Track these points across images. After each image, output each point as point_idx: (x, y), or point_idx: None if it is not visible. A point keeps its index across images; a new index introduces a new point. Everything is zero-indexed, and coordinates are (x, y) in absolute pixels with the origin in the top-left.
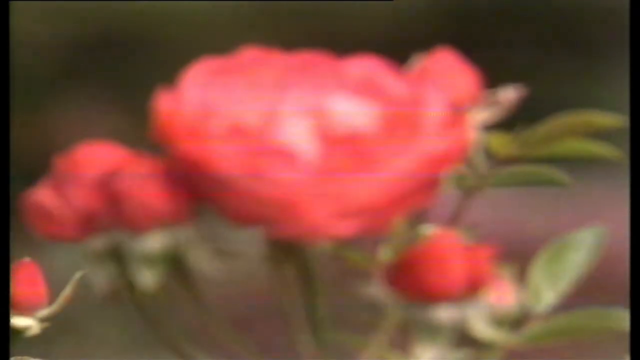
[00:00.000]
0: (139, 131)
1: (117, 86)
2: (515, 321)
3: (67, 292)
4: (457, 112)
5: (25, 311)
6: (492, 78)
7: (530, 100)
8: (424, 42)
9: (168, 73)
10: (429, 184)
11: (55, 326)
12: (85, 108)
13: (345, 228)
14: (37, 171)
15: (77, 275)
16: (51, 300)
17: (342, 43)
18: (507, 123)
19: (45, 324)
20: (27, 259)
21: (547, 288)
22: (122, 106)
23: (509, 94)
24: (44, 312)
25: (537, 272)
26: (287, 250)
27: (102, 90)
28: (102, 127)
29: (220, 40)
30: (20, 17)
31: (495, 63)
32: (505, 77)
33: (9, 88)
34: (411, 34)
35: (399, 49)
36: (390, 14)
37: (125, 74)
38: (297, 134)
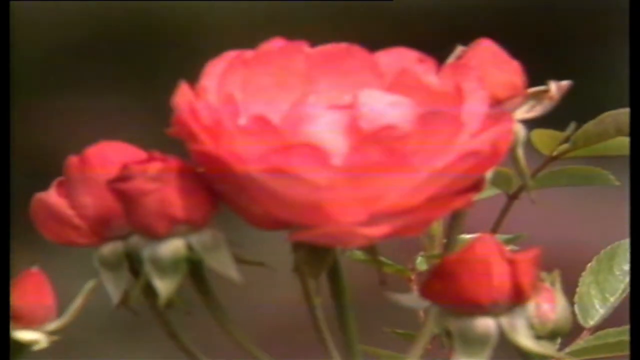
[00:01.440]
0: (160, 128)
1: (138, 81)
2: (563, 333)
3: (77, 303)
4: (499, 107)
5: (32, 324)
6: (537, 71)
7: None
8: (464, 34)
9: (192, 67)
10: (469, 185)
11: (64, 341)
12: (101, 104)
13: (379, 231)
14: (49, 170)
15: (89, 284)
16: (60, 312)
17: (376, 34)
18: (544, 119)
19: (54, 338)
20: (34, 268)
21: (598, 303)
22: (142, 102)
23: (556, 88)
24: (52, 325)
25: (587, 285)
26: (317, 257)
27: (120, 85)
28: (120, 125)
29: (247, 35)
30: (35, 8)
31: (541, 57)
32: (552, 71)
33: (9, 85)
34: (450, 25)
35: (436, 40)
36: (427, 4)
37: (147, 68)
38: (327, 129)
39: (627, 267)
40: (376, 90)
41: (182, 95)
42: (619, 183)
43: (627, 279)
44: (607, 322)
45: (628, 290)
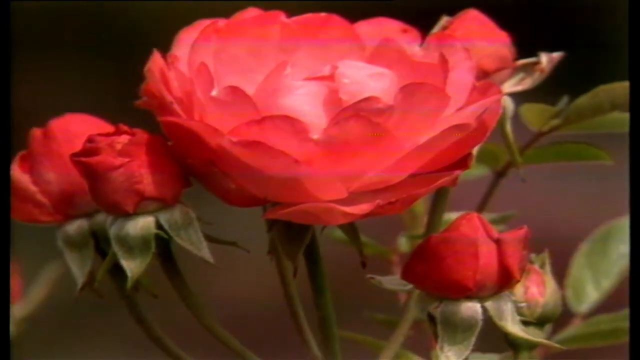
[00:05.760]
0: (127, 101)
1: (105, 53)
2: (553, 319)
3: (42, 286)
4: (486, 79)
5: None
6: (527, 42)
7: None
8: (450, 2)
9: (163, 37)
10: (454, 161)
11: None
12: (66, 76)
13: (359, 209)
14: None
15: (51, 267)
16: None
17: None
18: (533, 91)
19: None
20: None
21: (591, 286)
22: (108, 72)
23: (546, 60)
24: (19, 311)
25: (579, 267)
26: (293, 236)
27: (86, 57)
28: (85, 96)
29: (219, 9)
30: None
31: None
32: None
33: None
34: None
35: (422, 10)
36: None
37: (115, 40)
38: (305, 101)
39: (624, 248)
40: (356, 61)
41: (155, 64)
42: (613, 161)
43: (623, 262)
44: (600, 308)
45: (624, 274)
